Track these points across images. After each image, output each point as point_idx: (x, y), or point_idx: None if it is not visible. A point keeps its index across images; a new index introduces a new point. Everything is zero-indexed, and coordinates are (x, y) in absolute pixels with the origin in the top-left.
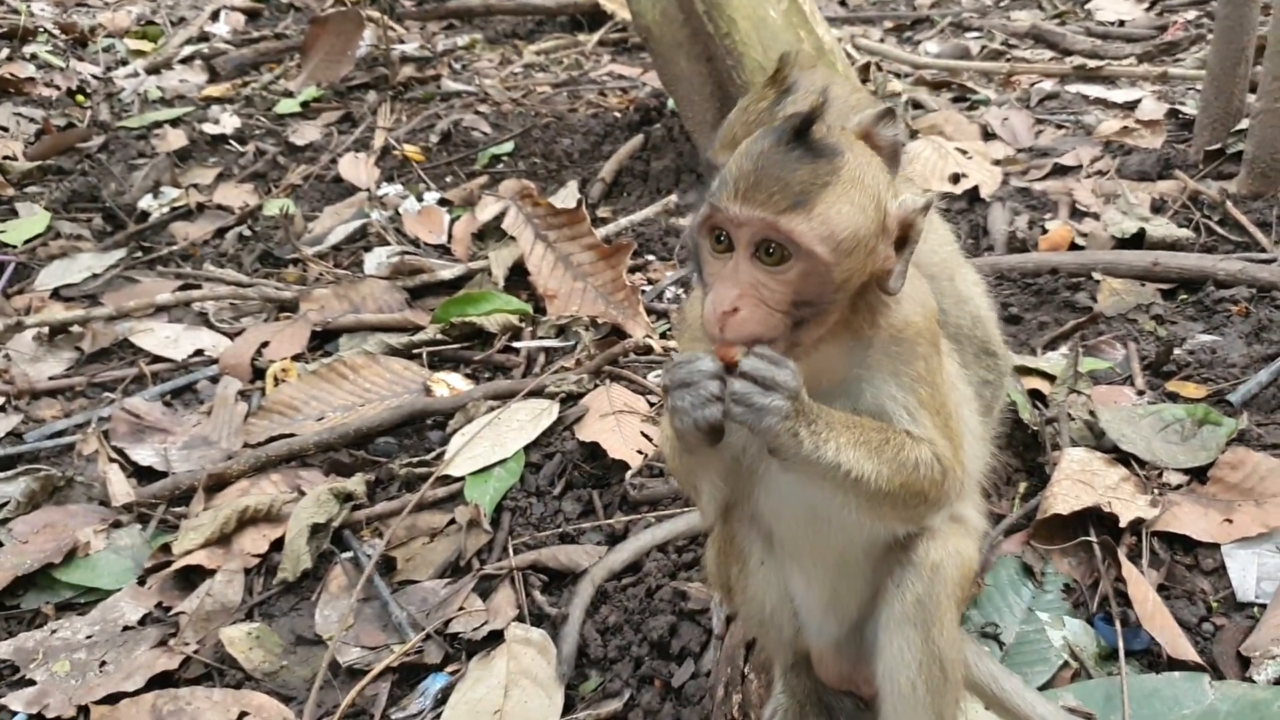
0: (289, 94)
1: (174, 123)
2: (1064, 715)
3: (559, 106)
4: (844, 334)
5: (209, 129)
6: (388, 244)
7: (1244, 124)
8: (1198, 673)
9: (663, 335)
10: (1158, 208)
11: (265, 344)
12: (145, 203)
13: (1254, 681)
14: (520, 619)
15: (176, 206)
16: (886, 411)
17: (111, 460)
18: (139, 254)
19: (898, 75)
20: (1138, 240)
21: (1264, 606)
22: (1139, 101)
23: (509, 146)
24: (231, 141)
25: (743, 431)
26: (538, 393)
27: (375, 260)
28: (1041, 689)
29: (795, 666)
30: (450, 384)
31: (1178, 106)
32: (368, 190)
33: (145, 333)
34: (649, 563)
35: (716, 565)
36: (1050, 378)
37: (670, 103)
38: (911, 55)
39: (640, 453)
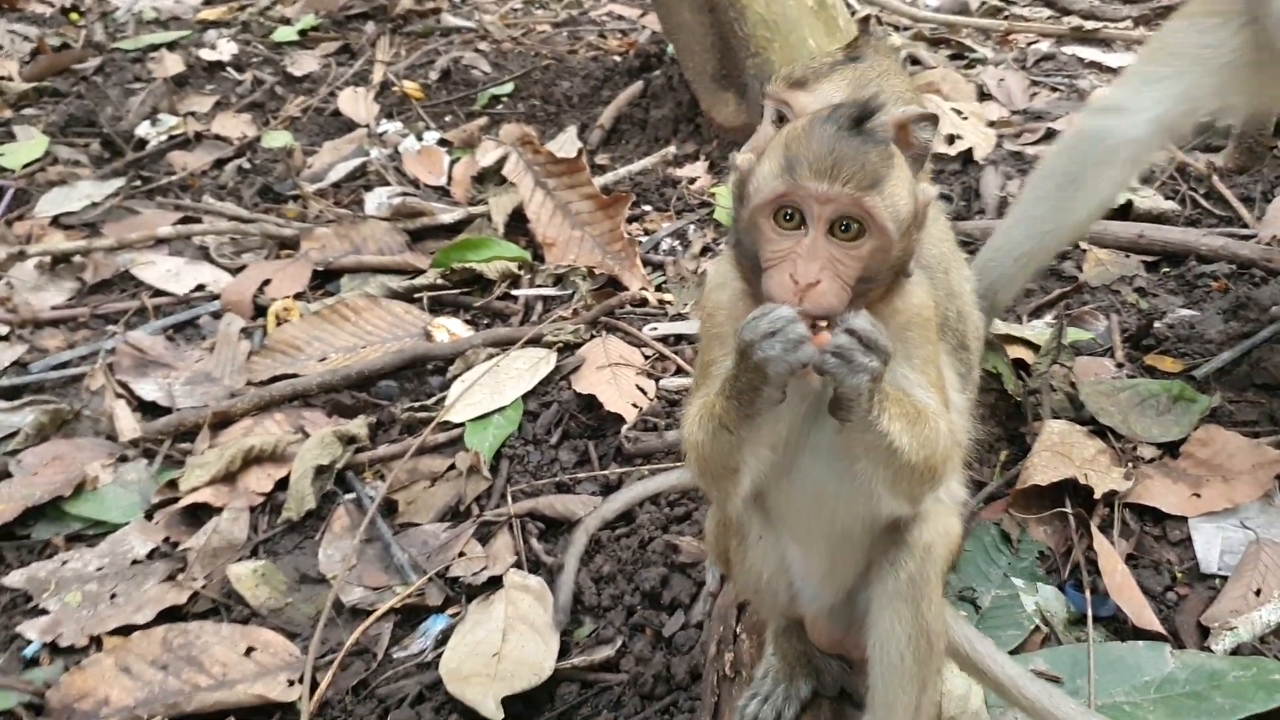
0: (286, 21)
1: (170, 46)
2: (1031, 678)
3: (559, 47)
4: (872, 313)
5: (206, 55)
6: (388, 184)
7: None
8: (1159, 642)
9: (658, 288)
10: (1145, 178)
11: (267, 281)
12: (143, 130)
13: (1211, 651)
14: (518, 565)
15: (174, 135)
16: (902, 390)
17: (118, 396)
18: (138, 183)
19: (896, 28)
20: (1125, 211)
21: (1225, 579)
22: None
23: (509, 87)
24: (229, 69)
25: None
26: (535, 341)
27: (376, 200)
28: (1013, 653)
29: (786, 630)
30: (450, 329)
31: None
32: (367, 127)
33: (146, 265)
34: (641, 514)
35: (715, 537)
36: (1035, 347)
37: (670, 49)
38: (911, 9)
39: (635, 406)
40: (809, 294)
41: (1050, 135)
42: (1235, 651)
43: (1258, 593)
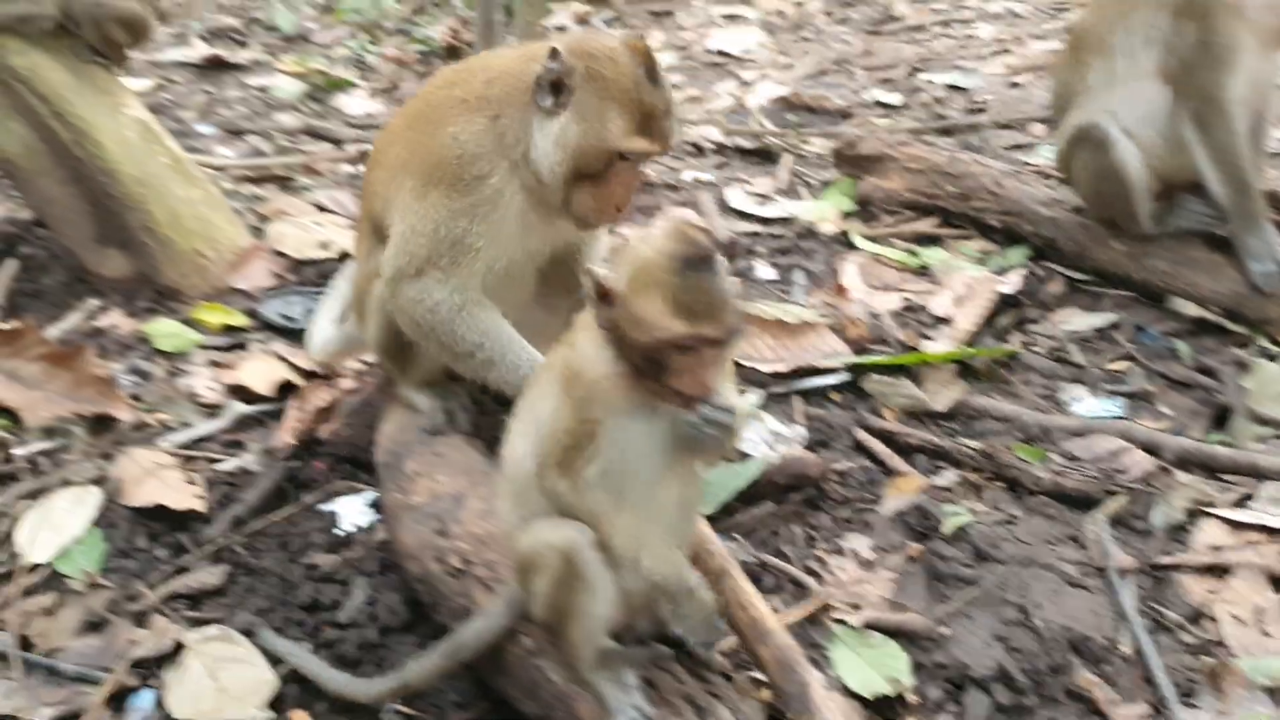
0: None
1: None
2: None
3: None
4: None
5: None
6: None
7: None
8: None
9: (148, 410)
10: None
11: None
12: None
13: None
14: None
15: None
16: None
17: None
18: None
19: (218, 169)
20: None
21: None
22: None
23: None
24: None
25: None
26: (65, 484)
27: None
28: None
29: None
30: None
31: None
32: None
33: None
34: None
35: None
36: None
37: (28, 218)
38: (222, 160)
39: (199, 497)
40: None
41: None
42: None
43: None
